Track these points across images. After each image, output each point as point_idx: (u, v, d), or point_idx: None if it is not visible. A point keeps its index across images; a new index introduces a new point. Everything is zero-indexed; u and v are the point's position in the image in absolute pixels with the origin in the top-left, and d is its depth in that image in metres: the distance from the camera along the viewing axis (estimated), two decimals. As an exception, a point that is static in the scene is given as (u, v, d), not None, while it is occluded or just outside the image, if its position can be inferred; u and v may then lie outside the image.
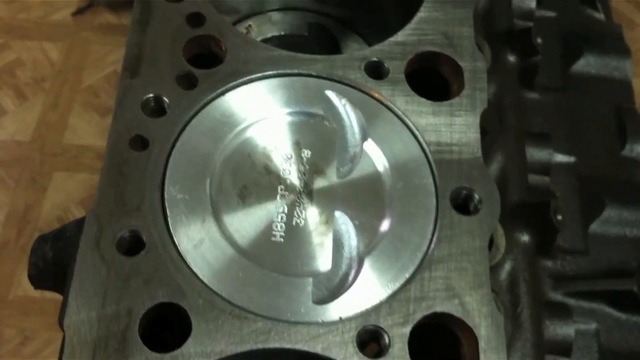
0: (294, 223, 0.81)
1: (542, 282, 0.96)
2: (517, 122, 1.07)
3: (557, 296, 0.96)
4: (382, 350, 0.73)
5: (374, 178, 0.85)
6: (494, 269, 0.92)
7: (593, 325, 0.96)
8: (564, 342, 0.91)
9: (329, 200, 0.83)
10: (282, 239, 0.80)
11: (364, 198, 0.84)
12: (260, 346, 0.72)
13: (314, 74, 0.90)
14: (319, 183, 0.84)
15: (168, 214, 0.79)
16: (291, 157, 0.86)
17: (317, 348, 0.72)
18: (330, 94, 0.88)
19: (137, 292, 0.73)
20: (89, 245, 0.75)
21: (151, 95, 0.85)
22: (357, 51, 0.96)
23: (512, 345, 0.89)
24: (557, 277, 0.97)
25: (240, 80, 0.88)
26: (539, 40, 1.10)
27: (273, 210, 0.82)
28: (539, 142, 1.04)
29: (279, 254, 0.80)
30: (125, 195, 0.78)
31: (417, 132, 0.87)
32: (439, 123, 0.87)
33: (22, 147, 1.75)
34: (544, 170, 1.03)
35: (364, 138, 0.86)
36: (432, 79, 0.92)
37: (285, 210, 0.82)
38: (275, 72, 0.89)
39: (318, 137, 0.87)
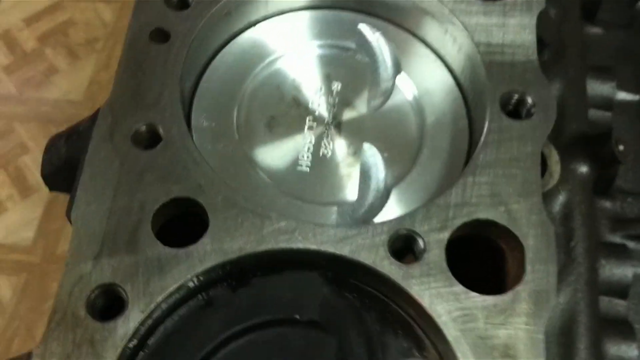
0: (321, 154, 0.79)
1: (600, 223, 0.90)
2: (578, 55, 0.99)
3: (615, 238, 0.89)
4: (417, 256, 0.67)
5: (405, 111, 0.83)
6: (547, 198, 0.85)
7: (653, 271, 0.89)
8: (621, 283, 0.85)
9: (357, 133, 0.81)
10: (308, 169, 0.79)
11: (393, 131, 0.82)
12: (282, 246, 0.66)
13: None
14: (348, 115, 0.82)
15: (194, 140, 0.76)
16: (321, 89, 0.84)
17: (345, 250, 0.66)
18: (363, 27, 0.84)
19: (151, 186, 0.69)
20: (102, 137, 0.71)
21: (175, -15, 0.81)
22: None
23: (564, 279, 0.82)
24: (616, 219, 0.91)
25: None
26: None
27: (300, 141, 0.80)
28: (601, 75, 0.97)
29: (304, 183, 0.78)
30: (143, 89, 0.74)
31: (465, 32, 0.81)
32: (491, 23, 0.81)
33: (74, 106, 1.73)
34: (605, 106, 0.97)
35: (397, 72, 0.82)
36: None
37: (313, 141, 0.80)
38: None
39: (349, 70, 0.85)
